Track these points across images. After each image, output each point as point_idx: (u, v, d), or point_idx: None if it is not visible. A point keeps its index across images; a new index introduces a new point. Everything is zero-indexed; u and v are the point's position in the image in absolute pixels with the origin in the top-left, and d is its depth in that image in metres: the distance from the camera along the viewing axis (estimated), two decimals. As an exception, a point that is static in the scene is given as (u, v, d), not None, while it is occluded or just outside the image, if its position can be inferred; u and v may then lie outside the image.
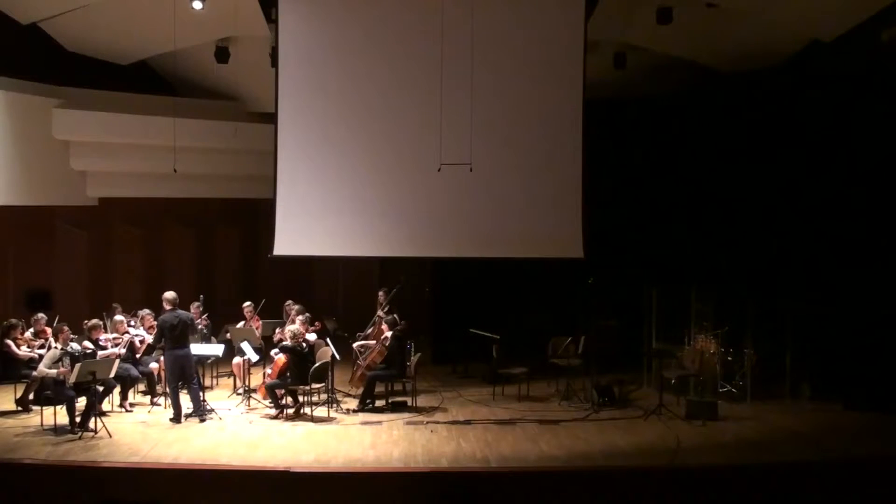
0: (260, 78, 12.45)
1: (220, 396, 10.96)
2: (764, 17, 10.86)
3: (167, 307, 9.83)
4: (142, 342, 10.70)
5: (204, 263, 15.00)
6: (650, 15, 10.90)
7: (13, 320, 10.19)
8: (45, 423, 9.33)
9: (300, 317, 10.63)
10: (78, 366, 8.99)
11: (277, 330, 10.75)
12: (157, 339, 9.99)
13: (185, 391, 9.86)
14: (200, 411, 9.75)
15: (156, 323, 10.27)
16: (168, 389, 9.91)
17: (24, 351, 10.01)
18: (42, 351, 9.91)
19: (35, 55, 12.33)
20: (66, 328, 9.70)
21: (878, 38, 10.29)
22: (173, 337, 9.69)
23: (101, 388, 9.36)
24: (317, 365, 10.01)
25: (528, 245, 11.47)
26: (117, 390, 10.11)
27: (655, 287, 11.42)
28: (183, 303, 10.45)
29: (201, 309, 11.33)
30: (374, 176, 11.53)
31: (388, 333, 10.54)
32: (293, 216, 11.58)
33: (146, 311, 11.13)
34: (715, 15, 11.09)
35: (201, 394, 10.01)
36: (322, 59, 11.57)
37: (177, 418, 9.62)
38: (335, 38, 11.56)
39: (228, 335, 11.17)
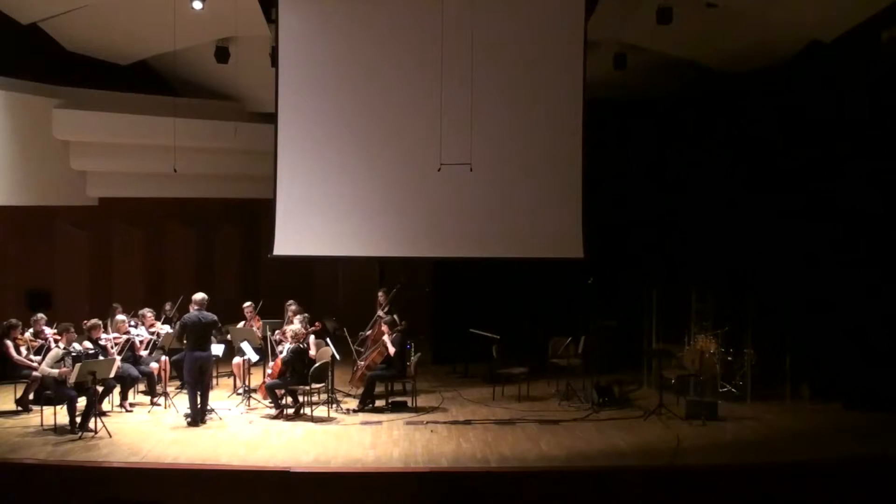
0: (260, 78, 12.45)
1: (220, 396, 10.94)
2: (764, 17, 10.85)
3: (193, 307, 9.75)
4: (142, 342, 10.72)
5: (204, 263, 15.01)
6: (650, 15, 10.90)
7: (13, 320, 10.17)
8: (45, 423, 9.32)
9: (298, 316, 10.63)
10: (78, 366, 9.00)
11: (277, 332, 10.74)
12: (179, 335, 9.98)
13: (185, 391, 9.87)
14: (202, 413, 9.73)
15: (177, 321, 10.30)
16: (186, 391, 9.77)
17: (21, 356, 9.98)
18: (38, 358, 9.90)
19: (35, 55, 12.34)
20: (71, 329, 9.69)
21: (878, 38, 10.28)
22: (195, 338, 9.59)
23: (100, 388, 9.37)
24: (317, 365, 10.01)
25: (528, 245, 11.48)
26: (117, 390, 10.12)
27: (655, 287, 11.42)
28: (182, 303, 10.45)
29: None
30: (374, 176, 11.54)
31: (388, 335, 10.53)
32: (293, 216, 11.59)
33: (147, 310, 11.14)
34: (715, 15, 11.09)
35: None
36: (322, 59, 11.58)
37: (194, 421, 9.54)
38: (335, 38, 11.57)
39: (229, 335, 11.16)
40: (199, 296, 9.82)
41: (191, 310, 9.83)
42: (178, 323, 10.10)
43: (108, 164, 13.49)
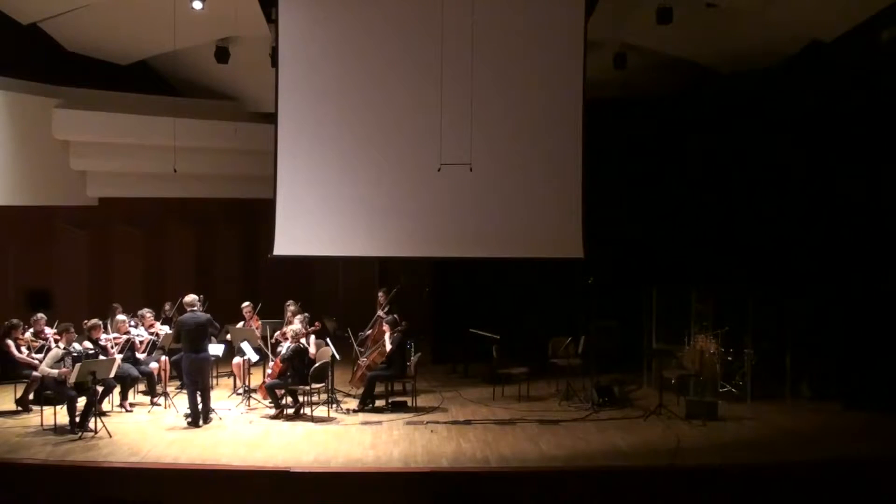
0: (260, 78, 12.45)
1: (220, 396, 10.94)
2: (764, 17, 10.86)
3: (187, 309, 9.75)
4: (142, 342, 10.72)
5: (204, 263, 15.01)
6: (650, 15, 10.90)
7: (15, 320, 10.17)
8: (45, 423, 9.33)
9: (299, 316, 10.64)
10: (78, 366, 9.00)
11: (277, 333, 10.73)
12: (175, 337, 10.03)
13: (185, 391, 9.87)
14: (205, 412, 9.73)
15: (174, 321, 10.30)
16: (186, 392, 9.75)
17: (23, 354, 10.00)
18: (39, 356, 9.89)
19: (35, 55, 12.34)
20: (71, 329, 9.68)
21: (878, 38, 10.28)
22: (191, 340, 9.60)
23: (100, 388, 9.37)
24: (317, 365, 10.01)
25: (528, 245, 11.47)
26: (117, 390, 10.12)
27: (655, 287, 11.42)
28: (182, 303, 10.43)
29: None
30: (374, 176, 11.53)
31: (388, 335, 10.53)
32: (293, 216, 11.58)
33: (146, 310, 11.14)
34: (715, 15, 11.09)
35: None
36: (322, 58, 11.57)
37: (194, 421, 9.55)
38: (335, 38, 11.56)
39: (228, 335, 11.16)
40: (190, 297, 9.85)
41: (186, 312, 9.84)
42: (175, 323, 10.11)
43: (108, 164, 13.49)
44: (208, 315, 9.87)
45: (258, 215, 14.07)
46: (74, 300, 12.84)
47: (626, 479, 8.08)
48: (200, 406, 9.65)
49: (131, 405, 10.32)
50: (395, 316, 11.02)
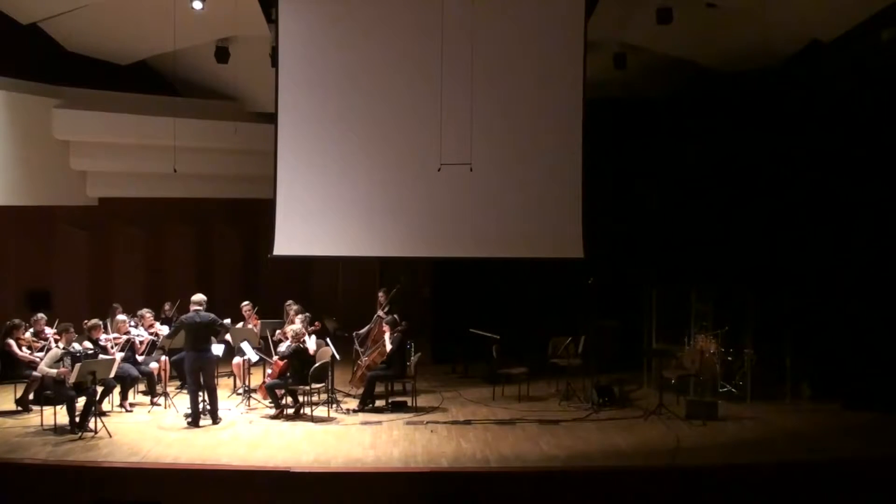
0: (260, 78, 12.45)
1: (220, 396, 10.89)
2: (764, 17, 10.84)
3: (192, 307, 9.73)
4: (142, 342, 10.72)
5: (204, 263, 15.00)
6: (650, 15, 10.91)
7: (16, 320, 10.17)
8: (45, 423, 9.32)
9: (300, 316, 10.65)
10: (78, 366, 9.00)
11: (278, 331, 10.74)
12: (173, 334, 10.04)
13: (185, 391, 9.87)
14: (213, 412, 9.74)
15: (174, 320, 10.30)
16: (187, 391, 9.74)
17: (24, 352, 10.00)
18: (41, 354, 9.89)
19: (35, 55, 12.34)
20: (71, 329, 9.68)
21: (878, 38, 10.29)
22: (192, 339, 9.60)
23: (100, 388, 9.37)
24: (317, 365, 10.01)
25: (528, 245, 11.47)
26: (117, 390, 10.11)
27: (655, 287, 11.42)
28: (182, 303, 10.44)
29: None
30: (374, 176, 11.53)
31: (388, 335, 10.53)
32: (293, 216, 11.59)
33: (146, 310, 11.14)
34: (715, 15, 11.10)
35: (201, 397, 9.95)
36: (322, 59, 11.58)
37: (195, 421, 9.53)
38: (335, 37, 11.57)
39: (228, 335, 11.15)
40: (198, 297, 9.82)
41: (190, 310, 9.83)
42: (176, 322, 10.10)
43: (108, 164, 13.48)
44: (213, 315, 9.83)
45: (258, 215, 14.06)
46: (74, 300, 12.84)
47: (626, 479, 8.08)
48: (209, 406, 9.66)
49: (131, 405, 10.32)
50: (395, 316, 11.02)
